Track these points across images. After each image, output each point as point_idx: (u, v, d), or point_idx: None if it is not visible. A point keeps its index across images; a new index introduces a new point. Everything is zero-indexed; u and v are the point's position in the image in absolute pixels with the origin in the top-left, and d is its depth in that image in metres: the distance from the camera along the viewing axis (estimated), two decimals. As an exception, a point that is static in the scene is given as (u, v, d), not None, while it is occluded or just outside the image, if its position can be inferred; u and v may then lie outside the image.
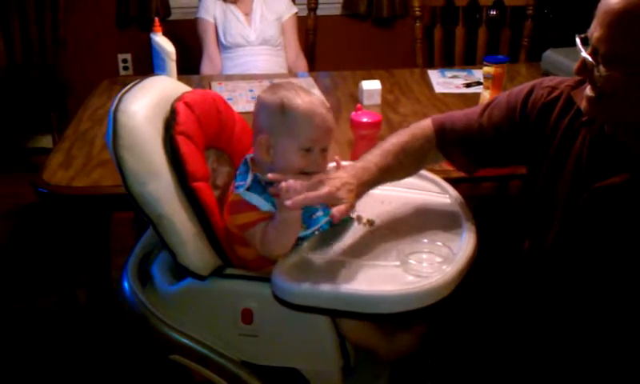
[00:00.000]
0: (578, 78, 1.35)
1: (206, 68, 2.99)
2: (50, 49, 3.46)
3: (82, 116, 2.20)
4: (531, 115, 1.40)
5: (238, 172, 1.36)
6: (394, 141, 1.47)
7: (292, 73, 3.04)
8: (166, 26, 3.54)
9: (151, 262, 1.46)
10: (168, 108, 1.37)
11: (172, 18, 3.68)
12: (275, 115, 1.32)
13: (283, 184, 1.22)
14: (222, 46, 3.00)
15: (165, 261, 1.43)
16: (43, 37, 3.46)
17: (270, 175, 1.28)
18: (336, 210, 1.26)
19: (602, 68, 1.20)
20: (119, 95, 1.33)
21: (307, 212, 1.34)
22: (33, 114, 3.62)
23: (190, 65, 3.01)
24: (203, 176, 1.34)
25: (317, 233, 1.37)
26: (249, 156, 1.38)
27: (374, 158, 1.43)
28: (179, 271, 1.33)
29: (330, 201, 1.27)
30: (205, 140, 1.41)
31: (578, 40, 1.25)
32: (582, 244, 1.34)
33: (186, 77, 2.56)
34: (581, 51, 1.24)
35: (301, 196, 1.21)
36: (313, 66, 3.22)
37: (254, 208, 1.30)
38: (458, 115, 1.52)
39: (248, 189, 1.31)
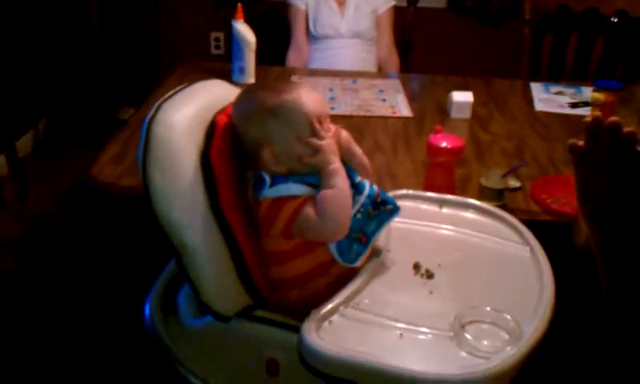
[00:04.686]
0: None
1: (293, 58, 2.84)
2: (144, 17, 3.43)
3: (150, 102, 2.10)
4: None
5: (254, 186, 1.22)
6: None
7: (382, 71, 2.84)
8: (262, 6, 3.44)
9: (180, 287, 1.33)
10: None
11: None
12: (268, 122, 1.18)
13: None
14: (310, 36, 2.84)
15: (193, 289, 1.30)
16: (138, 4, 3.44)
17: None
18: None
19: None
20: (158, 103, 1.20)
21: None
22: (124, 86, 3.60)
23: (282, 51, 2.87)
24: (239, 203, 1.19)
25: (359, 215, 1.20)
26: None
27: None
28: (201, 309, 1.19)
29: None
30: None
31: None
32: None
33: (265, 67, 2.43)
34: None
35: None
36: (407, 64, 3.01)
37: (289, 197, 1.17)
38: None
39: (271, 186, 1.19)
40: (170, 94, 1.23)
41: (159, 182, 1.14)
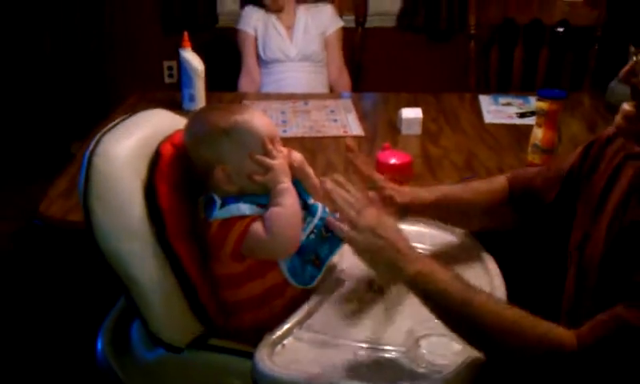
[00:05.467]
0: None
1: (245, 83, 2.83)
2: (96, 49, 3.40)
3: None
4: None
5: (204, 209, 1.21)
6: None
7: (334, 91, 2.85)
8: (213, 33, 3.44)
9: (133, 320, 1.30)
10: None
11: (220, 24, 3.56)
12: (221, 142, 1.19)
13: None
14: (260, 61, 2.84)
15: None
16: (90, 36, 3.40)
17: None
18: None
19: None
20: (98, 136, 1.18)
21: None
22: (78, 118, 3.56)
23: (234, 77, 2.87)
24: (187, 231, 1.18)
25: (312, 237, 1.20)
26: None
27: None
28: (152, 342, 1.16)
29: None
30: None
31: (632, 48, 1.09)
32: None
33: (218, 94, 2.42)
34: (633, 56, 1.08)
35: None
36: (358, 84, 3.03)
37: (239, 218, 1.17)
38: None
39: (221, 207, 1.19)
40: (110, 125, 1.21)
41: (101, 216, 1.12)
